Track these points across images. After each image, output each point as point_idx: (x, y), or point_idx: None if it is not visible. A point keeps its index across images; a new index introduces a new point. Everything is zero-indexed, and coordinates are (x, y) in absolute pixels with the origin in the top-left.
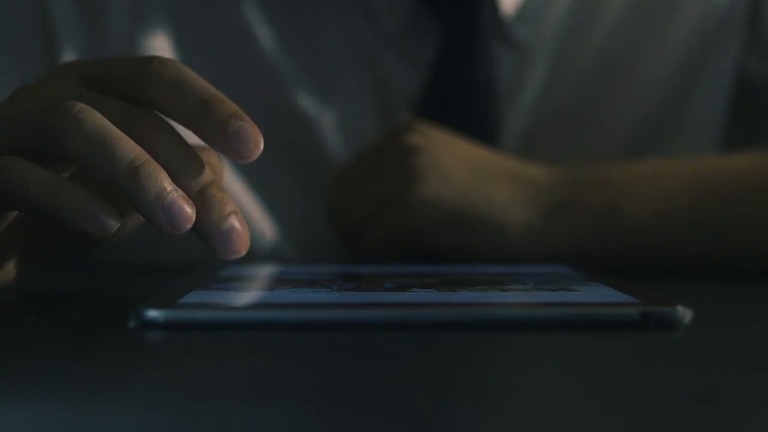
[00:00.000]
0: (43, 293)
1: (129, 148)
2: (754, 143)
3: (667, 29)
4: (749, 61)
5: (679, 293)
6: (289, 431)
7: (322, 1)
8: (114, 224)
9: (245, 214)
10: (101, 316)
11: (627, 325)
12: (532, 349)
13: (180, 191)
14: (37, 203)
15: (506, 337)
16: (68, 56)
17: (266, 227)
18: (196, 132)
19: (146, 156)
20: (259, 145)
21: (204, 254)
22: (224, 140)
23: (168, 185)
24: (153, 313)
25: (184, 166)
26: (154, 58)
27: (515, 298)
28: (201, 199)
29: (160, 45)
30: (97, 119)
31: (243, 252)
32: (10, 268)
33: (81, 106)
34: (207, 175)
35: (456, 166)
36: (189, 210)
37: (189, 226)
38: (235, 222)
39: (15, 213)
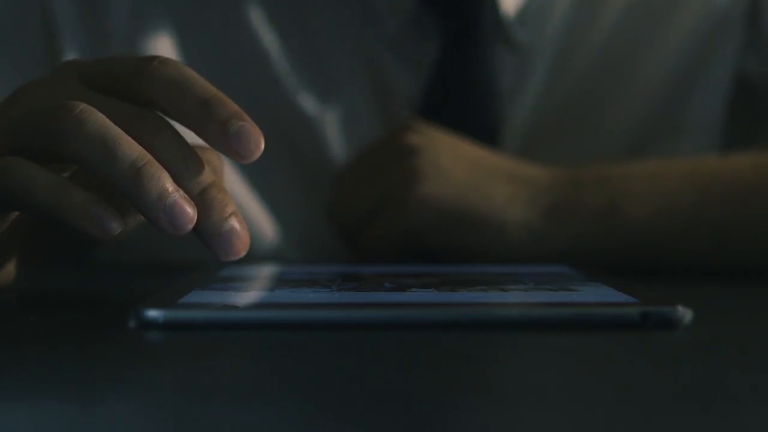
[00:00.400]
0: (43, 293)
1: (131, 148)
2: (753, 143)
3: (667, 30)
4: (748, 62)
5: (679, 293)
6: (288, 431)
7: (324, 3)
8: (117, 227)
9: (246, 214)
10: (101, 316)
11: (627, 325)
12: (532, 349)
13: (181, 192)
14: (41, 205)
15: (506, 337)
16: (69, 57)
17: (267, 228)
18: (197, 132)
19: (148, 157)
20: (259, 145)
21: (204, 254)
22: (225, 140)
23: (170, 186)
24: (153, 313)
25: (185, 167)
26: (155, 58)
27: (515, 298)
28: (201, 200)
29: (162, 46)
30: (99, 119)
31: (243, 253)
32: (11, 268)
33: (83, 106)
34: (208, 176)
35: (456, 165)
36: (190, 211)
37: (190, 226)
38: (235, 223)
39: (16, 213)
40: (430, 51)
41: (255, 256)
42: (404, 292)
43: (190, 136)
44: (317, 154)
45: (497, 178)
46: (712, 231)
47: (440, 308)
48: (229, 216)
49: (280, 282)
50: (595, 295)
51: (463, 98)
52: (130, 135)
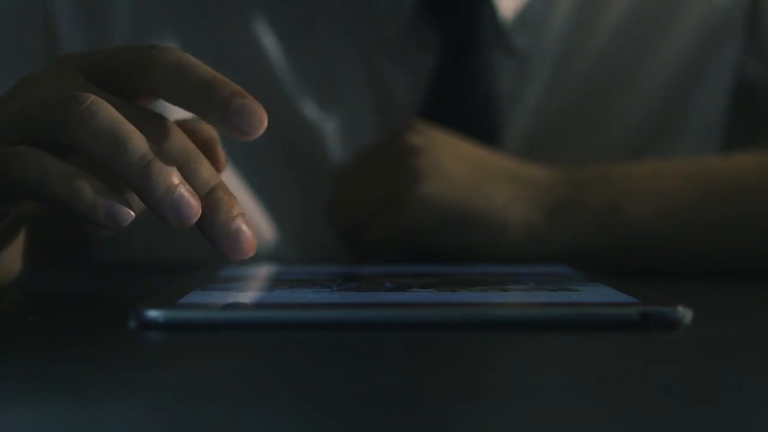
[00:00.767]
0: (43, 293)
1: (141, 142)
2: (754, 144)
3: (668, 33)
4: (749, 63)
5: (679, 293)
6: (288, 431)
7: (324, 9)
8: (128, 217)
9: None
10: (101, 316)
11: (627, 325)
12: (532, 349)
13: (187, 186)
14: (53, 194)
15: (506, 337)
16: None
17: (267, 230)
18: (199, 113)
19: (157, 151)
20: (263, 120)
21: (204, 254)
22: (228, 117)
23: (177, 180)
24: (153, 313)
25: (192, 168)
26: (154, 46)
27: (515, 298)
28: (208, 200)
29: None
30: (109, 112)
31: (250, 254)
32: (13, 267)
33: (93, 98)
34: (214, 177)
35: (456, 165)
36: (195, 204)
37: (195, 219)
38: (242, 224)
39: (26, 203)
40: (429, 57)
41: (254, 257)
42: (404, 292)
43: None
44: (317, 159)
45: (498, 178)
46: (712, 231)
47: (440, 308)
48: (236, 216)
49: (279, 282)
50: (595, 295)
51: (463, 104)
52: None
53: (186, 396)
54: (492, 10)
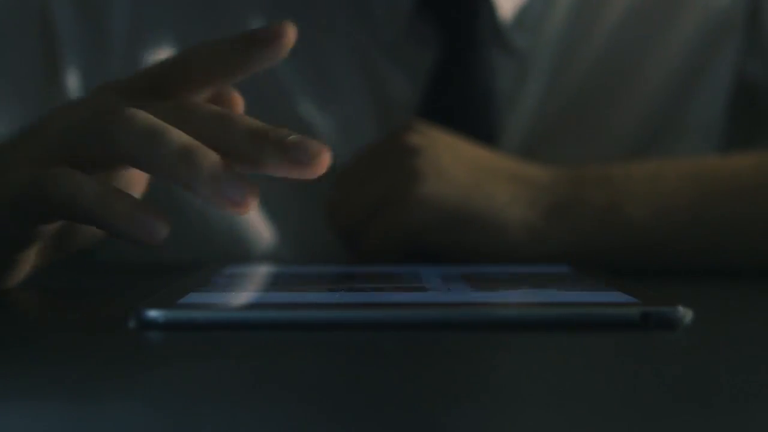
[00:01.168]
0: (44, 293)
1: (179, 136)
2: (754, 145)
3: (667, 33)
4: (749, 64)
5: (679, 293)
6: (288, 431)
7: (323, 9)
8: (163, 231)
9: (243, 217)
10: (101, 316)
11: (627, 325)
12: (532, 349)
13: (234, 169)
14: (88, 213)
15: (506, 337)
16: (70, 59)
17: (264, 230)
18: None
19: (195, 141)
20: (323, 155)
21: (204, 254)
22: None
23: (221, 163)
24: (153, 313)
25: (230, 119)
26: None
27: (515, 298)
28: (256, 135)
29: (162, 49)
30: (147, 116)
31: (325, 156)
32: (24, 271)
33: (131, 108)
34: (258, 123)
35: (456, 165)
36: (246, 185)
37: (248, 201)
38: (297, 136)
39: (60, 222)
40: (427, 57)
41: (252, 258)
42: (405, 292)
43: None
44: None
45: (498, 177)
46: (712, 231)
47: (440, 308)
48: (289, 134)
49: (279, 282)
50: (595, 295)
51: (462, 104)
52: (174, 124)
53: (186, 396)
54: (491, 10)
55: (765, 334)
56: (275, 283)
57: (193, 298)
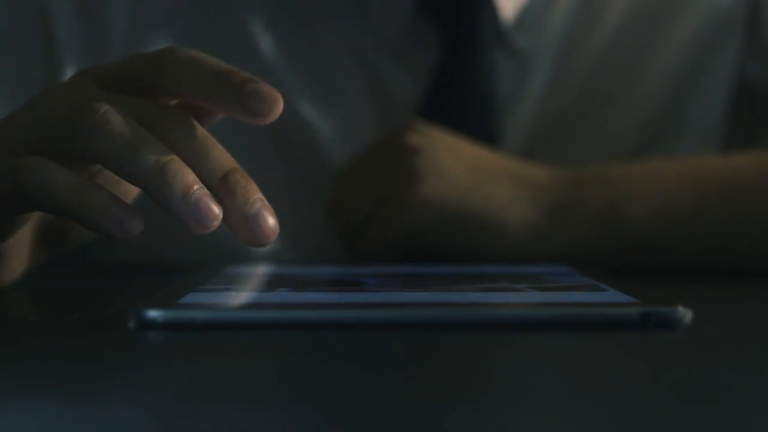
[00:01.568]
0: (43, 293)
1: (155, 146)
2: (754, 145)
3: (668, 33)
4: (749, 64)
5: (679, 293)
6: (288, 431)
7: (323, 9)
8: (137, 227)
9: None
10: (101, 316)
11: (627, 325)
12: (532, 349)
13: (206, 190)
14: (62, 205)
15: (506, 337)
16: (69, 60)
17: None
18: (214, 103)
19: (172, 155)
20: (278, 101)
21: (204, 254)
22: (243, 102)
23: (194, 183)
24: (153, 313)
25: (206, 155)
26: (166, 47)
27: (515, 298)
28: (225, 185)
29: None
30: (122, 120)
31: (272, 239)
32: (19, 267)
33: (106, 107)
34: (230, 162)
35: (456, 165)
36: (215, 208)
37: (216, 223)
38: (262, 207)
39: (36, 214)
40: (429, 57)
41: (252, 258)
42: (405, 292)
43: None
44: (314, 159)
45: (498, 177)
46: (712, 231)
47: (440, 308)
48: (255, 200)
49: (279, 282)
50: (595, 295)
51: (463, 104)
52: (151, 131)
53: (186, 396)
54: (492, 10)
55: (765, 334)
56: (275, 283)
57: (193, 298)
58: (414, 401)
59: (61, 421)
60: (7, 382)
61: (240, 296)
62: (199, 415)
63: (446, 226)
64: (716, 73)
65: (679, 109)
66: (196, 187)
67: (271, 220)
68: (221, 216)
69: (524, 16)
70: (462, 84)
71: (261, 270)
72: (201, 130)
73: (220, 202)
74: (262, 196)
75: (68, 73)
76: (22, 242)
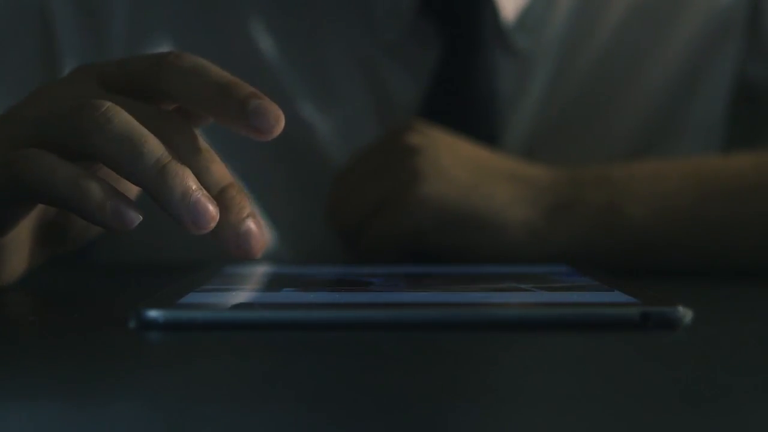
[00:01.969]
0: (44, 293)
1: (156, 146)
2: (754, 145)
3: (669, 34)
4: (749, 64)
5: (679, 293)
6: (288, 431)
7: (323, 9)
8: (135, 219)
9: None
10: (101, 316)
11: (627, 325)
12: (532, 349)
13: (204, 191)
14: (62, 196)
15: (506, 337)
16: (69, 60)
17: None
18: (216, 115)
19: (172, 155)
20: (279, 120)
21: (204, 254)
22: (245, 118)
23: (193, 184)
24: (153, 313)
25: (205, 167)
26: (169, 52)
27: (515, 298)
28: (220, 200)
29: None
30: (124, 117)
31: (258, 255)
32: (19, 266)
33: (108, 104)
34: (226, 177)
35: (456, 165)
36: (213, 209)
37: (212, 225)
38: (252, 224)
39: (36, 206)
40: (429, 58)
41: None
42: (405, 292)
43: None
44: (315, 160)
45: (498, 178)
46: (712, 230)
47: (440, 308)
48: (247, 216)
49: (279, 282)
50: (595, 295)
51: (463, 105)
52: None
53: (186, 396)
54: (493, 11)
55: (765, 334)
56: (275, 283)
57: (193, 298)
58: (417, 401)
59: (61, 421)
60: (7, 382)
61: (240, 296)
62: (200, 415)
63: (446, 226)
64: (716, 73)
65: (680, 110)
66: (194, 187)
67: (260, 239)
68: (217, 218)
69: (525, 16)
70: (463, 84)
71: (261, 270)
72: (202, 142)
73: None
74: (255, 212)
75: None
76: (21, 241)
